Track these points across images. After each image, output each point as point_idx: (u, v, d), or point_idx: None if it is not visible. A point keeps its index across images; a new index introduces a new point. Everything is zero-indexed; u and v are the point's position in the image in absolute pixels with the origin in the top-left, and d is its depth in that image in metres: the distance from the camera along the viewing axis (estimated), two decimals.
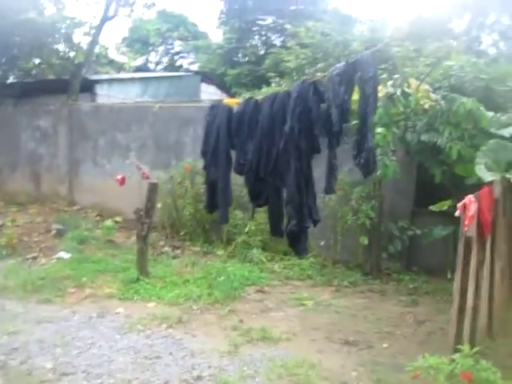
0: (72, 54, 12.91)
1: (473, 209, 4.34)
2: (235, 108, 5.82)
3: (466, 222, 4.28)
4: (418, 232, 8.03)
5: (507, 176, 6.17)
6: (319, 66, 10.78)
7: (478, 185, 7.12)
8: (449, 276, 8.01)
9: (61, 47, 13.27)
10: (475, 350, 3.98)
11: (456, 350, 4.20)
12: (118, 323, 5.79)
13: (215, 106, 6.10)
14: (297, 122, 4.90)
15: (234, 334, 5.65)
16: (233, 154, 5.92)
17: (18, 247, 8.75)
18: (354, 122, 5.03)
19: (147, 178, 7.33)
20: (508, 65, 9.06)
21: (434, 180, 7.73)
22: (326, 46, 10.93)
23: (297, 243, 5.33)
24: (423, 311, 6.65)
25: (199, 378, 4.55)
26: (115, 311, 6.18)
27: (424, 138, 7.27)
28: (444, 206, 7.77)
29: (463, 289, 4.34)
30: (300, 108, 4.91)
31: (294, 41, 11.62)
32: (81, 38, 13.36)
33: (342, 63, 4.70)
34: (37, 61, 13.55)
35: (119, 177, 7.75)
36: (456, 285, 4.37)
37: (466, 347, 4.02)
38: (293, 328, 5.93)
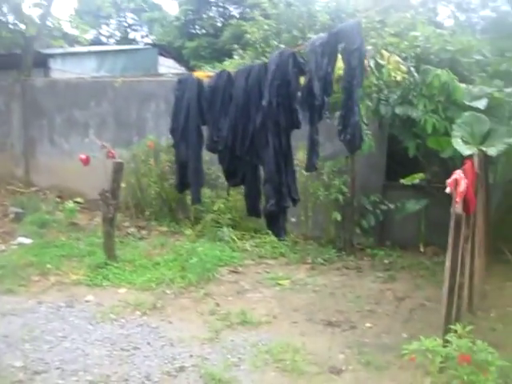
0: (22, 26, 12.18)
1: (463, 184, 4.19)
2: (206, 82, 5.52)
3: (458, 199, 4.12)
4: (392, 206, 7.92)
5: (483, 149, 6.07)
6: (283, 37, 10.49)
7: (451, 158, 7.08)
8: (421, 249, 7.99)
9: (10, 19, 12.54)
10: (468, 329, 3.86)
11: (447, 330, 4.09)
12: (89, 312, 5.45)
13: (184, 80, 5.77)
14: (275, 95, 4.66)
15: (213, 318, 5.41)
16: (204, 130, 5.65)
17: None
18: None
19: (113, 157, 6.95)
20: (468, 36, 8.97)
21: (405, 153, 7.63)
22: (290, 17, 10.61)
23: (275, 223, 5.14)
24: (401, 287, 6.55)
25: (182, 369, 4.31)
26: (85, 299, 5.83)
27: (398, 110, 7.13)
28: (415, 179, 7.69)
29: (454, 267, 4.20)
30: (278, 81, 4.67)
31: (256, 11, 11.25)
32: (31, 10, 12.65)
33: (325, 33, 4.46)
34: None
35: (83, 156, 7.32)
36: (447, 264, 4.22)
37: (459, 327, 3.90)
38: (272, 310, 5.73)
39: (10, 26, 12.62)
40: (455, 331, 3.91)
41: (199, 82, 5.59)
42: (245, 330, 5.18)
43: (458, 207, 4.19)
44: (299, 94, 4.62)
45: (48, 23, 12.82)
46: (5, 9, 12.57)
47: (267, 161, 4.82)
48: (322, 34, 4.49)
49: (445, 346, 3.75)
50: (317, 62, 4.38)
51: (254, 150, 4.96)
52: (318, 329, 5.29)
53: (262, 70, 4.91)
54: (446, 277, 4.21)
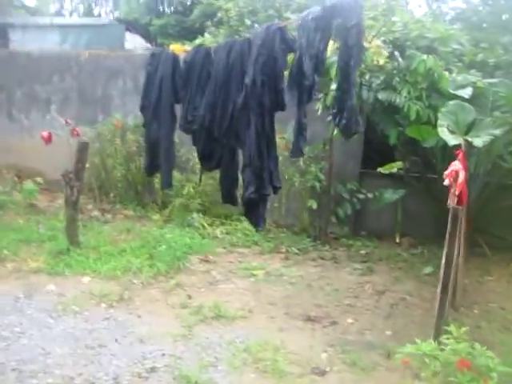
0: None
1: (461, 176, 3.92)
2: (182, 56, 5.10)
3: (457, 191, 3.85)
4: (370, 195, 7.66)
5: (469, 139, 5.84)
6: (259, 16, 10.11)
7: (431, 148, 6.84)
8: (397, 240, 7.78)
9: None
10: (464, 330, 3.62)
11: (441, 331, 3.84)
12: (49, 304, 4.99)
13: (158, 54, 5.33)
14: (260, 74, 4.27)
15: (185, 312, 5.04)
16: (178, 109, 5.23)
17: None
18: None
19: (78, 135, 6.47)
20: (441, 25, 8.77)
21: (383, 140, 7.36)
22: None
23: (254, 212, 4.76)
24: (380, 280, 6.30)
25: (153, 369, 3.93)
26: (45, 289, 5.36)
27: (381, 96, 6.81)
28: (393, 167, 7.45)
29: (449, 265, 3.94)
30: (264, 58, 4.28)
31: None
32: None
33: (318, 7, 4.08)
34: None
35: (45, 133, 6.81)
36: (443, 260, 3.95)
37: (454, 328, 3.64)
38: (247, 303, 5.40)
39: None
40: (448, 331, 3.67)
41: (174, 57, 5.16)
42: (220, 325, 4.83)
43: (455, 200, 3.93)
44: (286, 72, 4.27)
45: None
46: None
47: (248, 144, 4.44)
48: (314, 8, 4.10)
49: (440, 349, 3.51)
50: (308, 38, 3.99)
51: (233, 132, 4.57)
52: (298, 324, 4.98)
53: (245, 45, 4.52)
54: (441, 274, 3.96)
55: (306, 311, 5.26)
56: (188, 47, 5.43)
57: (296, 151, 4.36)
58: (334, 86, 6.23)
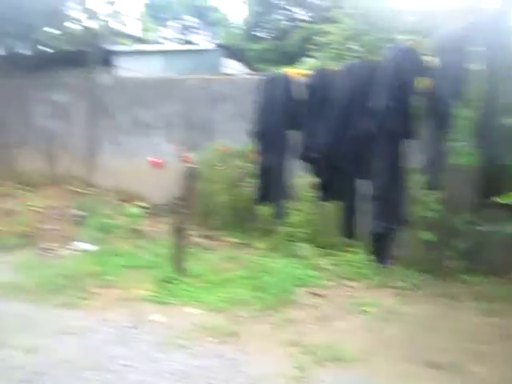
0: (89, 23, 11.86)
1: None
2: (301, 80, 4.87)
3: None
4: (492, 228, 7.06)
5: None
6: (365, 39, 9.75)
7: None
8: None
9: (75, 14, 12.23)
10: None
11: None
12: (155, 336, 4.81)
13: (273, 78, 5.12)
14: (389, 98, 3.95)
15: (296, 351, 4.70)
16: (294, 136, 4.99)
17: (31, 236, 7.80)
18: None
19: (188, 161, 6.32)
20: None
21: (500, 168, 6.79)
22: (372, 17, 9.86)
23: (381, 248, 4.43)
24: (505, 323, 5.69)
25: None
26: (150, 319, 5.21)
27: (505, 121, 6.28)
28: None
29: None
30: (393, 81, 3.96)
31: (337, 11, 10.51)
32: (99, 7, 12.31)
33: (456, 26, 3.73)
34: (53, 31, 12.47)
35: (157, 160, 6.72)
36: None
37: None
38: (362, 343, 4.98)
39: (76, 22, 12.34)
40: None
41: (290, 81, 4.94)
42: (334, 367, 4.45)
43: None
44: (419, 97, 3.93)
45: (115, 21, 12.52)
46: (73, 4, 12.28)
47: (375, 174, 4.13)
48: (452, 27, 3.76)
49: None
50: (446, 59, 3.65)
51: (357, 161, 4.28)
52: (420, 371, 4.50)
53: (370, 68, 4.23)
54: None
55: (428, 356, 4.78)
56: (304, 71, 5.16)
57: (433, 184, 4.00)
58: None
